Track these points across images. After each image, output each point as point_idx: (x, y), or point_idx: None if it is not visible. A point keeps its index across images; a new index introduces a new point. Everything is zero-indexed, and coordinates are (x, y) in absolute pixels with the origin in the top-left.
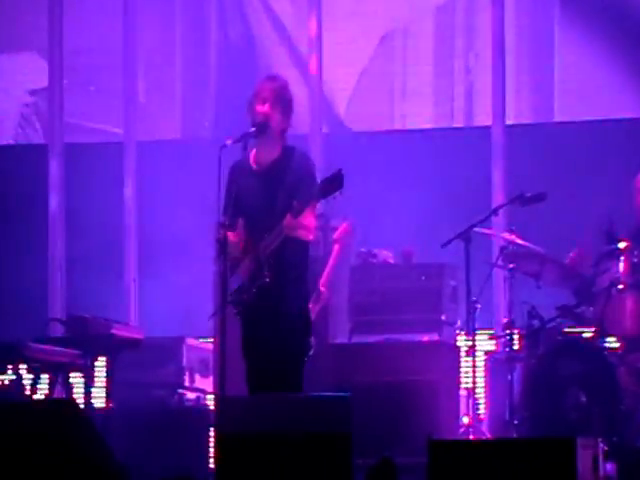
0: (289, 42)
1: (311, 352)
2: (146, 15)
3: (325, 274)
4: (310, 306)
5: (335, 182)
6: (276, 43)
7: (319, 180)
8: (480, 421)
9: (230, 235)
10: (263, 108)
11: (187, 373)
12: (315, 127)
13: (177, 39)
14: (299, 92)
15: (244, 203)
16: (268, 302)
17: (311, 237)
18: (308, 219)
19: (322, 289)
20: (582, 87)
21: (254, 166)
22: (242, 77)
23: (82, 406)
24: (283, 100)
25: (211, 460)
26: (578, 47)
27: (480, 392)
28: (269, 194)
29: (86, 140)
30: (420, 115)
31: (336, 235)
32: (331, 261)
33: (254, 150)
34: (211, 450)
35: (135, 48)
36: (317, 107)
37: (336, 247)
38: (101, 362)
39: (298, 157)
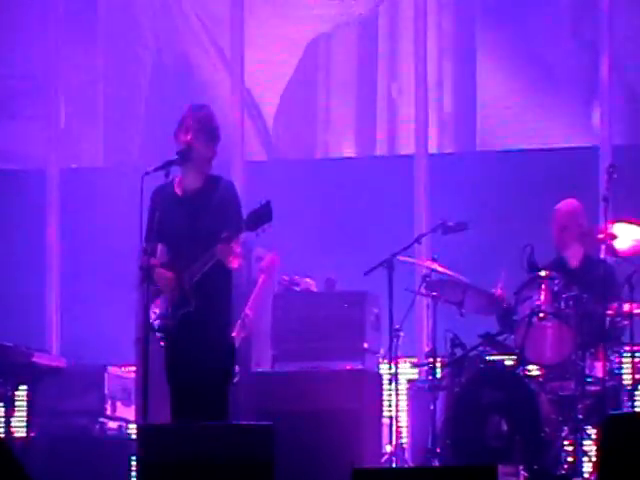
0: (222, 66)
1: (235, 380)
2: (68, 40)
3: (250, 302)
4: (234, 334)
5: (264, 215)
6: (209, 68)
7: (247, 211)
8: (402, 449)
9: (155, 263)
10: (186, 137)
11: (109, 401)
12: (237, 153)
13: (99, 64)
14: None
15: (167, 229)
16: (192, 330)
17: (236, 265)
18: (235, 247)
19: (248, 313)
20: (503, 118)
21: (179, 193)
22: (171, 104)
23: (2, 435)
24: (207, 129)
25: None
26: (499, 77)
27: (402, 420)
28: (193, 222)
29: (7, 167)
30: (343, 144)
31: (262, 265)
32: (257, 290)
33: (179, 177)
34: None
35: (56, 73)
36: (239, 132)
37: (262, 277)
38: (22, 391)
39: (223, 187)
